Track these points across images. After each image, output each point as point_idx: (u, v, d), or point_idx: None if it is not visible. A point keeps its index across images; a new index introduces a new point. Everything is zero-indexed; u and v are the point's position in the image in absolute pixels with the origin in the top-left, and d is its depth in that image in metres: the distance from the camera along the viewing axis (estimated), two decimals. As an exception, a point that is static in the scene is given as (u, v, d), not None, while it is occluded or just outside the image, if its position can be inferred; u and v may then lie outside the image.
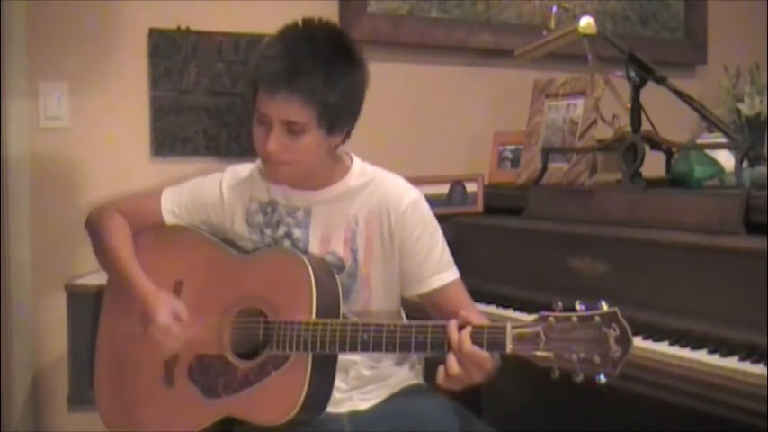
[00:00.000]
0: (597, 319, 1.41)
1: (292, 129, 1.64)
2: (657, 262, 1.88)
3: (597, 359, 1.40)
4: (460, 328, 1.51)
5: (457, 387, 1.53)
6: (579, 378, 1.42)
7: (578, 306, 1.44)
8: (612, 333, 1.40)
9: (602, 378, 1.40)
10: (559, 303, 1.46)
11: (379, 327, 1.57)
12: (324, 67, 1.63)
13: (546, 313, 1.45)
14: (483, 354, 1.49)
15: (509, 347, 1.47)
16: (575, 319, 1.43)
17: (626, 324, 1.41)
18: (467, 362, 1.49)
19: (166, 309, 1.67)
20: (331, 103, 1.63)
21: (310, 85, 1.61)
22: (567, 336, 1.43)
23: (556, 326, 1.44)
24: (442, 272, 1.77)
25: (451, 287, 1.77)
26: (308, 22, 1.69)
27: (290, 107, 1.62)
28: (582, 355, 1.41)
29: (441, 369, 1.51)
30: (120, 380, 1.79)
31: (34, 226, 2.43)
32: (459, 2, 2.95)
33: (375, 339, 1.56)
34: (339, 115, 1.67)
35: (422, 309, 1.83)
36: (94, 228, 1.85)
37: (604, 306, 1.42)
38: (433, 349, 1.54)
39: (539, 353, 1.44)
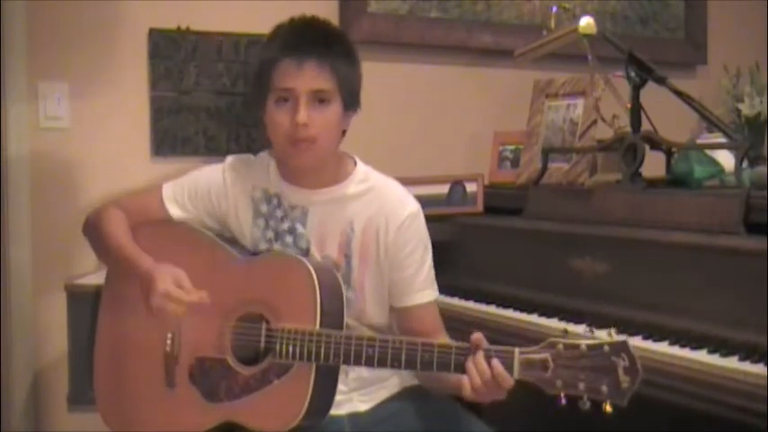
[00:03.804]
0: (606, 348, 1.40)
1: (321, 97, 1.66)
2: (657, 262, 1.88)
3: (605, 389, 1.39)
4: (473, 350, 1.50)
5: (482, 400, 1.52)
6: (586, 406, 1.41)
7: (585, 332, 1.44)
8: (621, 363, 1.39)
9: (609, 408, 1.39)
10: (567, 330, 1.46)
11: (384, 342, 1.55)
12: (341, 42, 1.71)
13: (555, 339, 1.44)
14: (510, 379, 1.47)
15: (516, 373, 1.46)
16: (583, 347, 1.42)
17: (635, 354, 1.40)
18: (492, 383, 1.48)
19: (167, 276, 1.62)
20: (348, 74, 1.70)
21: (336, 53, 1.68)
22: (576, 364, 1.41)
23: (564, 353, 1.42)
24: (426, 289, 1.78)
25: (431, 306, 1.79)
26: (303, 16, 1.74)
27: (320, 74, 1.66)
28: (590, 384, 1.40)
29: (465, 383, 1.50)
30: (120, 380, 1.78)
31: (34, 226, 2.42)
32: (459, 2, 2.95)
33: (380, 355, 1.55)
34: (353, 91, 1.72)
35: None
36: (92, 225, 1.82)
37: (613, 334, 1.41)
38: (439, 368, 1.52)
39: (546, 379, 1.43)
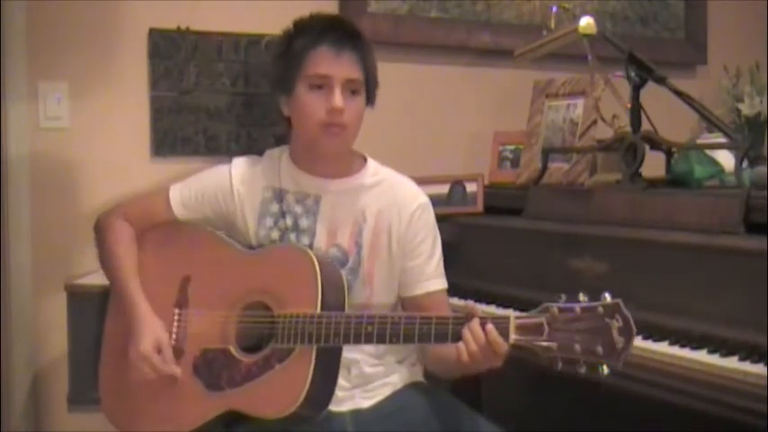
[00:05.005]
0: (600, 309, 1.42)
1: (353, 88, 1.71)
2: (657, 262, 1.88)
3: (600, 350, 1.40)
4: (469, 318, 1.51)
5: (478, 368, 1.54)
6: (582, 370, 1.41)
7: (581, 297, 1.44)
8: (616, 324, 1.40)
9: (606, 370, 1.40)
10: (563, 296, 1.46)
11: (383, 318, 1.57)
12: (364, 38, 1.76)
13: (549, 304, 1.46)
14: (504, 344, 1.49)
15: (512, 337, 1.47)
16: (578, 309, 1.43)
17: (629, 315, 1.41)
18: (487, 349, 1.50)
19: (151, 338, 1.67)
20: (373, 70, 1.76)
21: (365, 47, 1.74)
22: (570, 326, 1.43)
23: (559, 316, 1.44)
24: (437, 278, 1.80)
25: (441, 295, 1.80)
26: (322, 13, 1.79)
27: (355, 65, 1.71)
28: (585, 345, 1.41)
29: (462, 349, 1.51)
30: (124, 377, 1.78)
31: (34, 226, 2.42)
32: (459, 2, 2.95)
33: (379, 331, 1.57)
34: (374, 81, 1.78)
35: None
36: (101, 235, 1.85)
37: (607, 297, 1.43)
38: (437, 340, 1.55)
39: (541, 343, 1.44)
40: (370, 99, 1.78)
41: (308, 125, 1.72)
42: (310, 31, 1.72)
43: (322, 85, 1.69)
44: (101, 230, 1.85)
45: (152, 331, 1.68)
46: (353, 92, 1.72)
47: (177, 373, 1.68)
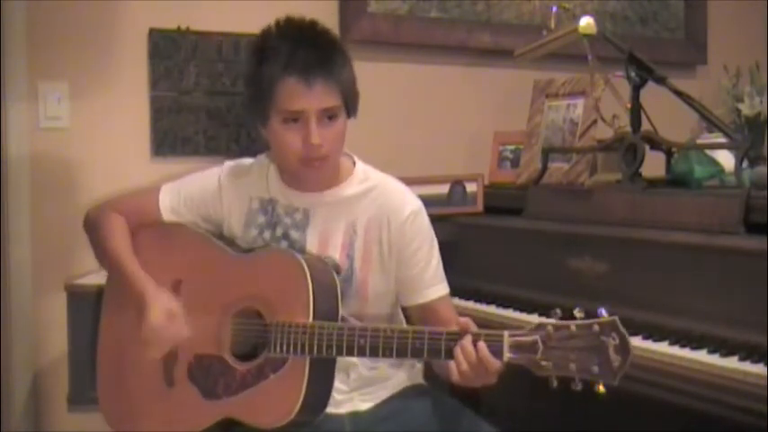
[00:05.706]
0: (596, 327, 1.39)
1: (330, 115, 1.65)
2: (657, 262, 1.88)
3: (596, 368, 1.38)
4: (462, 335, 1.50)
5: (471, 384, 1.52)
6: (578, 387, 1.40)
7: (577, 313, 1.42)
8: (612, 342, 1.38)
9: (602, 388, 1.38)
10: (558, 311, 1.45)
11: (376, 332, 1.56)
12: (339, 51, 1.68)
13: (544, 321, 1.44)
14: (496, 362, 1.47)
15: (506, 356, 1.45)
16: (573, 327, 1.41)
17: (625, 333, 1.39)
18: (479, 367, 1.48)
19: (161, 308, 1.65)
20: (350, 85, 1.69)
21: (338, 66, 1.65)
22: (566, 344, 1.40)
23: (554, 334, 1.42)
24: (437, 284, 1.77)
25: (444, 301, 1.78)
26: (288, 19, 1.70)
27: (328, 93, 1.63)
28: (581, 364, 1.39)
29: (453, 368, 1.50)
30: (121, 379, 1.78)
31: (34, 226, 2.42)
32: (459, 2, 2.95)
33: (372, 344, 1.55)
34: (355, 99, 1.71)
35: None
36: (92, 227, 1.83)
37: (604, 314, 1.40)
38: (430, 355, 1.53)
39: (536, 361, 1.42)
40: (352, 111, 1.71)
41: (287, 159, 1.68)
42: (277, 56, 1.63)
43: (297, 118, 1.63)
44: (92, 223, 1.84)
45: (160, 302, 1.65)
46: (330, 117, 1.65)
47: (188, 333, 1.66)
